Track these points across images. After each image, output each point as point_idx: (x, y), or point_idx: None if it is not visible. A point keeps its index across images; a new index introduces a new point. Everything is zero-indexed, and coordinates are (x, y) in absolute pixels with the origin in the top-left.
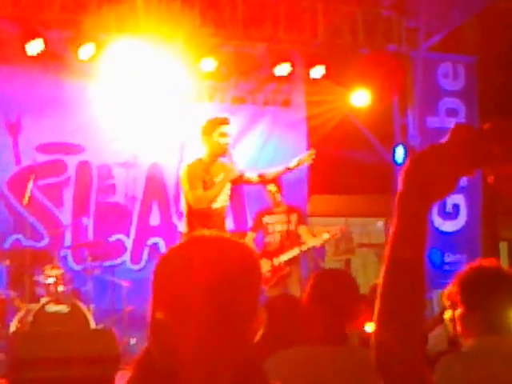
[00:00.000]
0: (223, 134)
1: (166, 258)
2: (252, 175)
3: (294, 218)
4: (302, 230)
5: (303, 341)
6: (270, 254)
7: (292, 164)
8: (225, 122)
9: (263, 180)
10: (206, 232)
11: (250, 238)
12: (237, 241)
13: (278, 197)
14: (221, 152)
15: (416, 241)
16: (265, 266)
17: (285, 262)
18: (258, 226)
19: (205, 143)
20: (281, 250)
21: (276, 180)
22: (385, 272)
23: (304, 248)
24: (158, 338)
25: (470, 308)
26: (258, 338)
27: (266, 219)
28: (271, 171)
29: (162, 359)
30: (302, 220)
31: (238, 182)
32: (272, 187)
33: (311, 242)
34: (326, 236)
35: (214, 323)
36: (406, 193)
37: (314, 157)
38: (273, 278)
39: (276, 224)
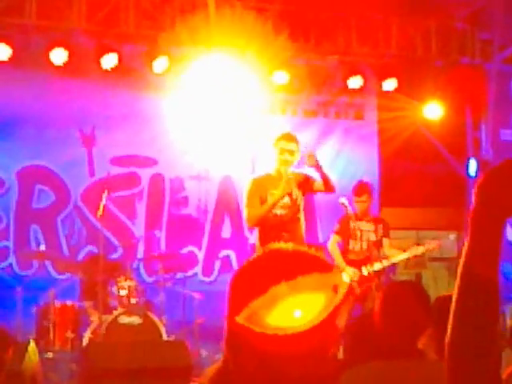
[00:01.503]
0: (282, 151)
1: (240, 272)
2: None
3: (380, 228)
4: (385, 242)
5: (378, 355)
6: (358, 263)
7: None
8: (284, 138)
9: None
10: (282, 245)
11: (333, 242)
12: (313, 255)
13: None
14: (279, 167)
15: (491, 257)
16: (353, 275)
17: (374, 272)
18: (344, 229)
19: (274, 157)
20: (369, 259)
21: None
22: (458, 288)
23: (396, 260)
24: (233, 351)
25: None
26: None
27: (354, 224)
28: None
29: (236, 373)
30: (386, 233)
31: (309, 191)
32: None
33: (402, 256)
34: (420, 249)
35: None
36: (480, 208)
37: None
38: (360, 288)
39: (364, 232)
